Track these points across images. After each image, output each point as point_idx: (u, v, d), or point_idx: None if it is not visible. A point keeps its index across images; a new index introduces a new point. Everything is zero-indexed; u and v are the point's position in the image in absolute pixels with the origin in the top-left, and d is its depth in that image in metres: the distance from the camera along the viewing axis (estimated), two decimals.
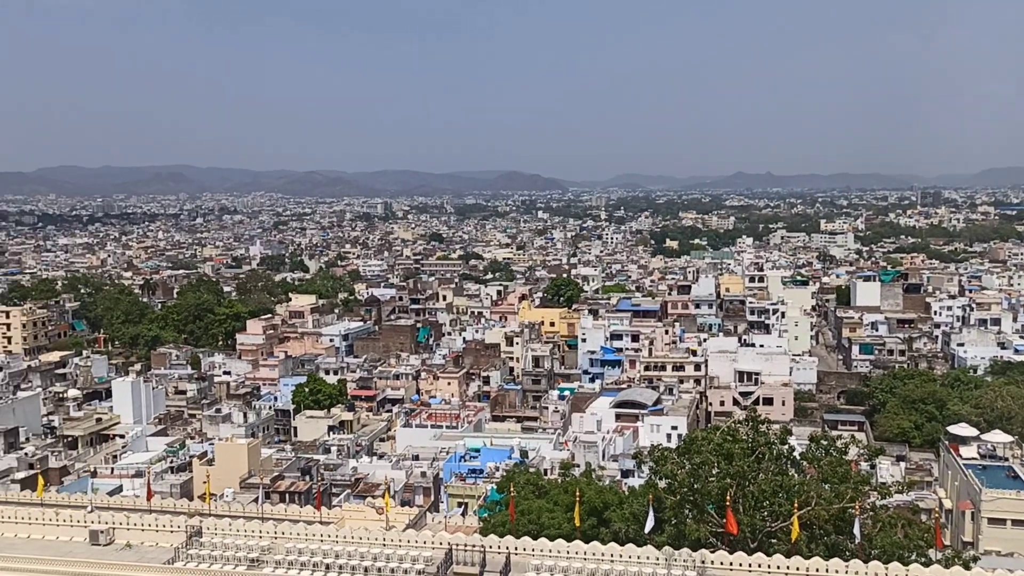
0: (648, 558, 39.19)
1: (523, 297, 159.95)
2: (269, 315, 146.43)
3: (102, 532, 44.04)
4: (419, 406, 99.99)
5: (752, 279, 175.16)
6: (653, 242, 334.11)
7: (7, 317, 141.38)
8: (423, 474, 68.91)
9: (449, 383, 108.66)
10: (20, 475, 69.41)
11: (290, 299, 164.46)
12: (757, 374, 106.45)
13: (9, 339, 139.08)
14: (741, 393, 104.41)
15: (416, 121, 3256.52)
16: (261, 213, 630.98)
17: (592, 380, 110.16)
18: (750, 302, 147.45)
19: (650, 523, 42.42)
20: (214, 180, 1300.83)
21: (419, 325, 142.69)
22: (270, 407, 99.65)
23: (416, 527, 46.27)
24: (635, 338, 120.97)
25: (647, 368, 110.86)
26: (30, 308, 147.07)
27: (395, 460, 74.96)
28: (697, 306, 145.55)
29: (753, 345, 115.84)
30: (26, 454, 78.80)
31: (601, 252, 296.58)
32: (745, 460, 44.33)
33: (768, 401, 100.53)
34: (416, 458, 74.40)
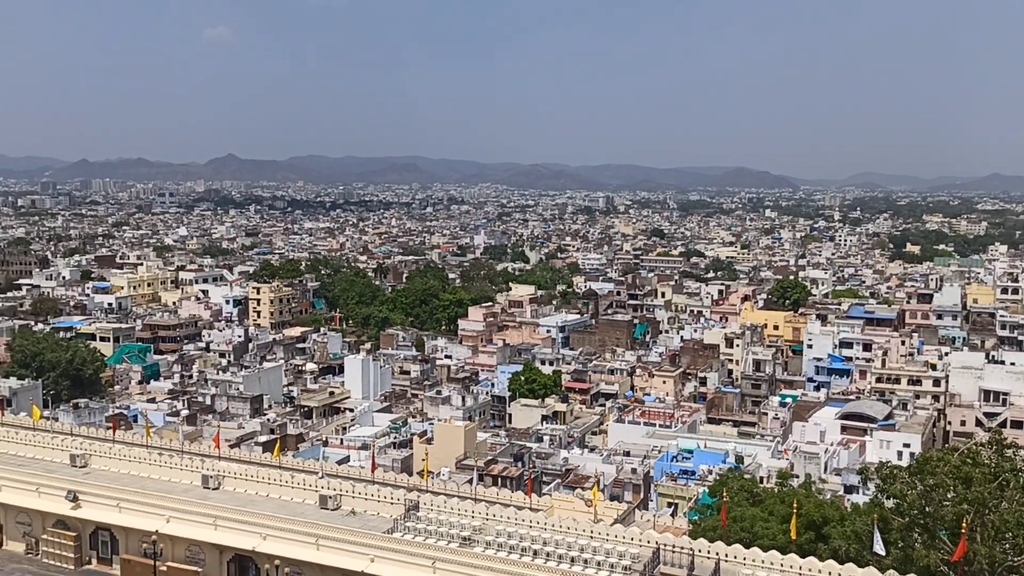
0: None
1: (746, 298, 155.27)
2: (490, 303, 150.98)
3: (331, 498, 47.35)
4: (633, 402, 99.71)
5: (1005, 290, 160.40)
6: (892, 246, 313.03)
7: (258, 293, 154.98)
8: (634, 471, 68.65)
9: (664, 381, 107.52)
10: (262, 438, 75.94)
11: (510, 288, 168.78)
12: (1006, 394, 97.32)
13: (259, 313, 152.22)
14: (986, 414, 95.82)
15: (640, 115, 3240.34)
16: (486, 204, 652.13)
17: (817, 388, 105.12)
18: (1001, 315, 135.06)
19: (877, 544, 39.90)
20: (444, 171, 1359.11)
21: (636, 321, 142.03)
22: (487, 392, 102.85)
23: (624, 523, 46.16)
24: (867, 347, 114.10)
25: (879, 380, 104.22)
26: (277, 286, 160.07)
27: (606, 454, 75.20)
28: (939, 317, 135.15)
29: (1003, 363, 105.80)
30: (268, 420, 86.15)
31: (833, 254, 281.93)
32: (986, 486, 40.74)
33: (1017, 424, 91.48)
34: (627, 454, 74.25)
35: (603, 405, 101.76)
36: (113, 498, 48.92)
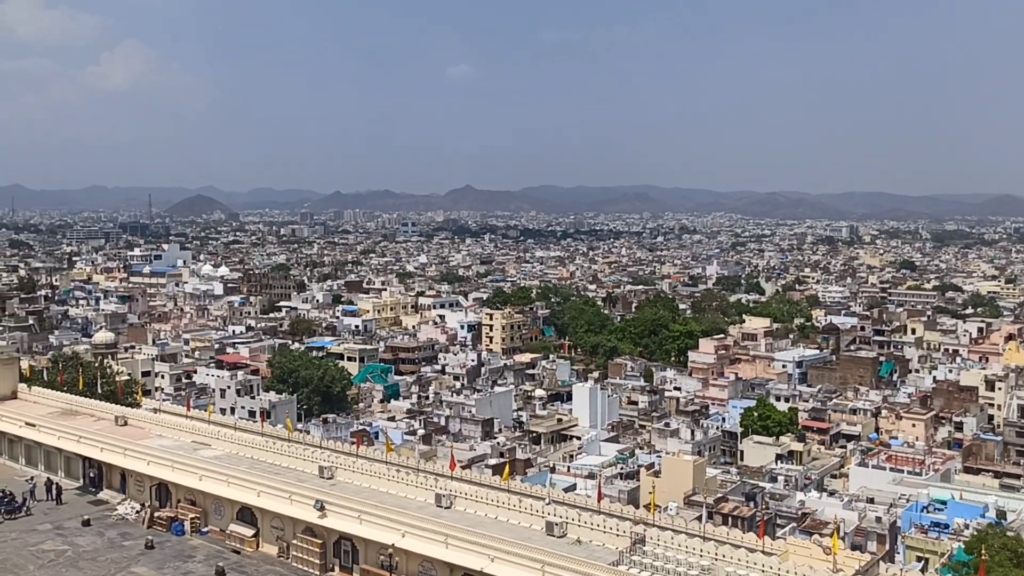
0: None
1: (1010, 337, 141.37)
2: (722, 335, 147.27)
3: (557, 525, 47.72)
4: (877, 445, 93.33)
5: None
6: None
7: (491, 319, 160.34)
8: (878, 519, 64.05)
9: (914, 425, 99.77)
10: (492, 461, 77.96)
11: (744, 321, 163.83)
12: None
13: (491, 339, 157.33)
14: None
15: (889, 139, 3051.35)
16: (720, 233, 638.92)
17: None
18: None
19: None
20: (676, 200, 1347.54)
21: (882, 358, 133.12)
22: (717, 427, 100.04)
23: (867, 575, 43.09)
24: None
25: None
26: (509, 312, 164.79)
27: (847, 499, 70.73)
28: None
29: None
30: (498, 443, 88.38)
31: None
32: None
33: None
34: (871, 501, 69.43)
35: (844, 447, 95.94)
36: (355, 510, 51.99)
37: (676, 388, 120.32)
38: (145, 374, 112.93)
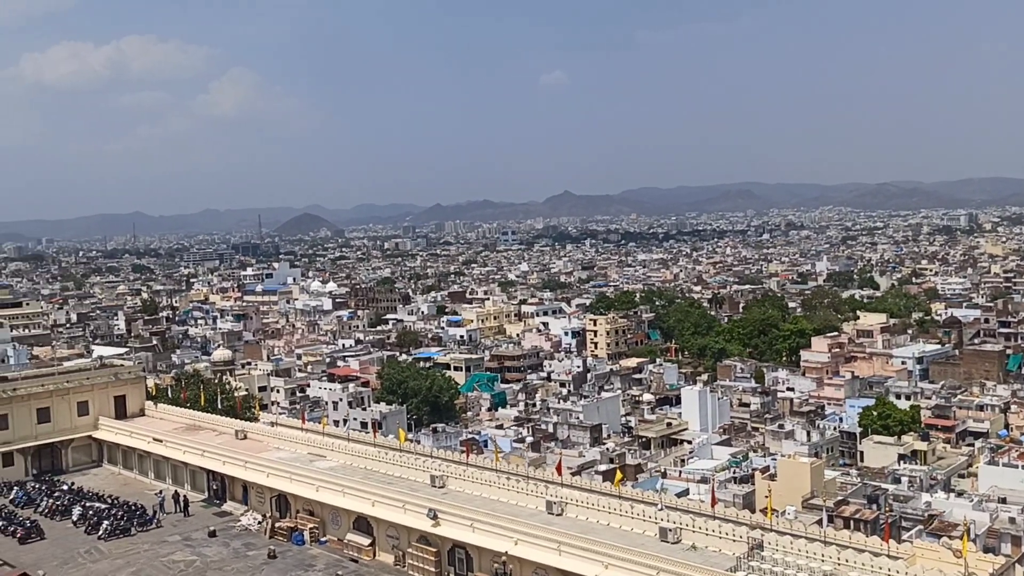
0: None
1: None
2: (835, 333, 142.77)
3: (670, 531, 47.11)
4: (1008, 442, 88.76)
5: None
6: None
7: (595, 324, 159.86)
8: (1012, 520, 60.89)
9: None
10: (602, 467, 77.56)
11: (858, 317, 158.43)
12: None
13: (596, 344, 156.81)
14: None
15: (1008, 121, 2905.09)
16: (828, 228, 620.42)
17: None
18: None
19: None
20: (781, 196, 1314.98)
21: (1009, 351, 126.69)
22: (834, 428, 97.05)
23: None
24: None
25: None
26: (613, 317, 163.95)
27: (977, 500, 67.50)
28: None
29: None
30: (607, 449, 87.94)
31: None
32: None
33: None
34: (1003, 501, 66.07)
35: (971, 445, 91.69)
36: (467, 518, 52.51)
37: (789, 389, 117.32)
38: (261, 389, 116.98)
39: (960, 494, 73.38)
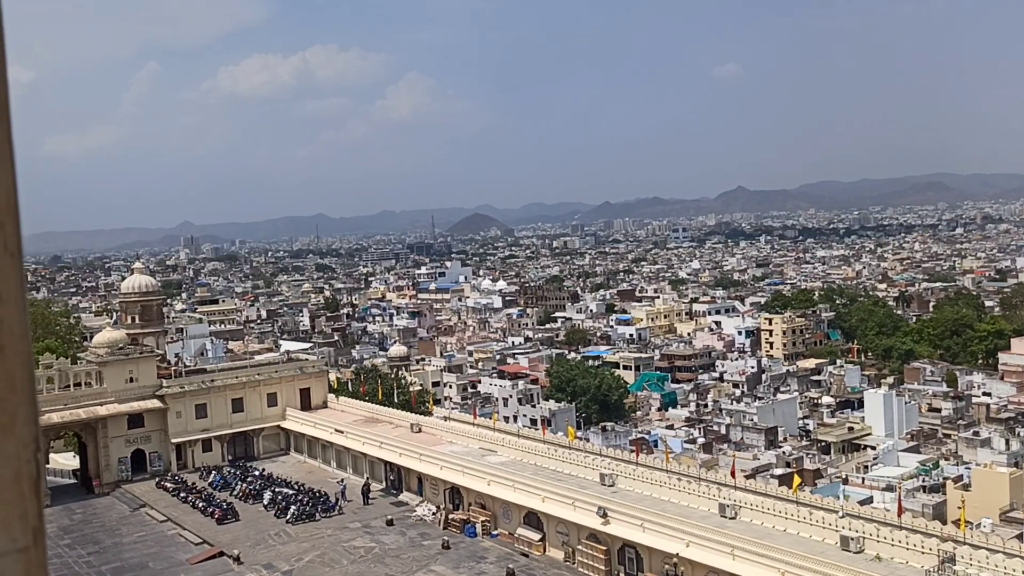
0: None
1: None
2: None
3: (853, 539, 45.18)
4: None
5: None
6: None
7: (770, 324, 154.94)
8: None
9: None
10: (778, 471, 75.24)
11: None
12: None
13: (771, 344, 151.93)
14: None
15: None
16: None
17: None
18: None
19: None
20: (976, 187, 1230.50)
21: None
22: None
23: None
24: None
25: None
26: (790, 316, 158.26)
27: None
28: None
29: None
30: (784, 453, 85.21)
31: None
32: None
33: None
34: None
35: None
36: (637, 517, 52.31)
37: (985, 393, 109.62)
38: (435, 384, 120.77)
39: None
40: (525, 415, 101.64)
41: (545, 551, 57.83)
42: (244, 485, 71.98)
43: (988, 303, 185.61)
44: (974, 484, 66.22)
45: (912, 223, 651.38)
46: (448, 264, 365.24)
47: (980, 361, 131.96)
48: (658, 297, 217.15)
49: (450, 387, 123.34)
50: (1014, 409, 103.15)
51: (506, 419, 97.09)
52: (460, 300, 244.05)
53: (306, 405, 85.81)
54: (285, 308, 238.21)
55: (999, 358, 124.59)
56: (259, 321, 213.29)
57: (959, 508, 51.74)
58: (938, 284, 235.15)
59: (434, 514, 64.73)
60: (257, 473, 76.17)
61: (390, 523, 63.38)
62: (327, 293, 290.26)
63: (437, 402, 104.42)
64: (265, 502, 68.06)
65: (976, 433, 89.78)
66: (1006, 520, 58.79)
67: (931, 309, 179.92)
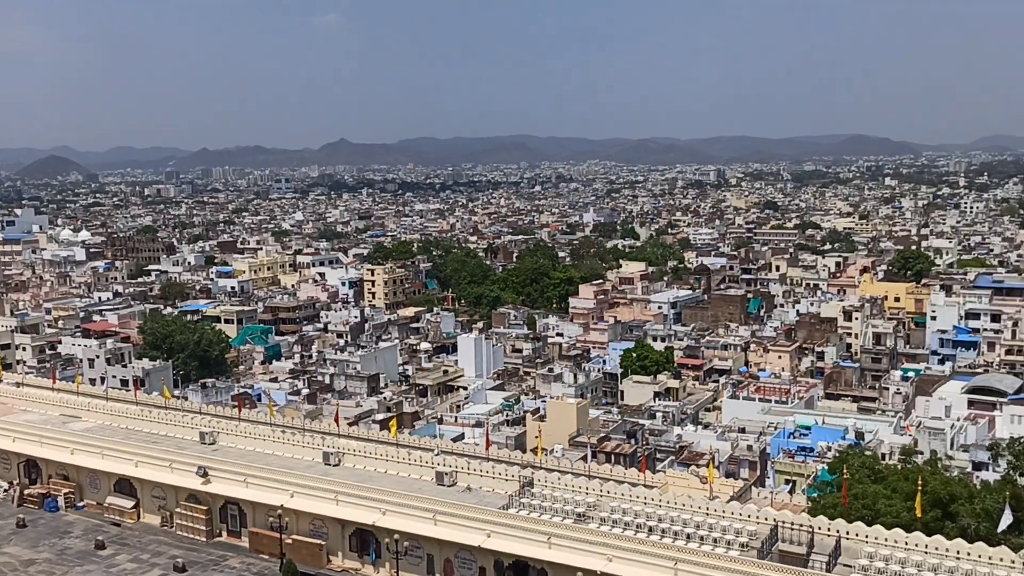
0: (1002, 560, 35.49)
1: (865, 270, 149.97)
2: (600, 280, 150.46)
3: (446, 474, 48.41)
4: (747, 378, 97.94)
5: None
6: (1023, 212, 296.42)
7: (372, 275, 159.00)
8: (749, 447, 67.57)
9: (780, 356, 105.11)
10: (379, 416, 77.98)
11: (620, 266, 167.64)
12: None
13: (374, 294, 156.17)
14: None
15: (753, 84, 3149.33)
16: (595, 181, 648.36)
17: (941, 362, 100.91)
18: None
19: (1006, 521, 38.29)
20: (553, 149, 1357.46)
21: (750, 296, 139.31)
22: (599, 370, 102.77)
23: (741, 500, 45.59)
24: (995, 318, 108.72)
25: (1009, 352, 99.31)
26: (391, 267, 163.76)
27: (720, 431, 74.23)
28: None
29: None
30: (385, 398, 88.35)
31: (958, 223, 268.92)
32: None
33: None
34: (742, 431, 73.11)
35: (716, 381, 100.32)
36: (240, 474, 51.30)
37: (558, 334, 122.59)
38: (4, 347, 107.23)
39: (706, 426, 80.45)
40: (115, 376, 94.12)
41: (140, 518, 54.58)
42: None
43: (561, 254, 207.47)
44: (548, 415, 74.13)
45: (499, 180, 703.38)
46: (18, 211, 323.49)
47: (554, 305, 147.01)
48: (261, 249, 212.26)
49: (23, 349, 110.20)
50: (581, 347, 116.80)
51: (92, 382, 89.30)
52: (34, 252, 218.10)
53: None
54: None
55: (569, 302, 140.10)
56: None
57: (536, 437, 57.63)
58: (520, 237, 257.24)
59: (5, 491, 57.94)
60: None
61: None
62: None
63: (7, 367, 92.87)
64: None
65: (551, 370, 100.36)
66: (574, 445, 66.62)
67: (515, 259, 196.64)
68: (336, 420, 59.91)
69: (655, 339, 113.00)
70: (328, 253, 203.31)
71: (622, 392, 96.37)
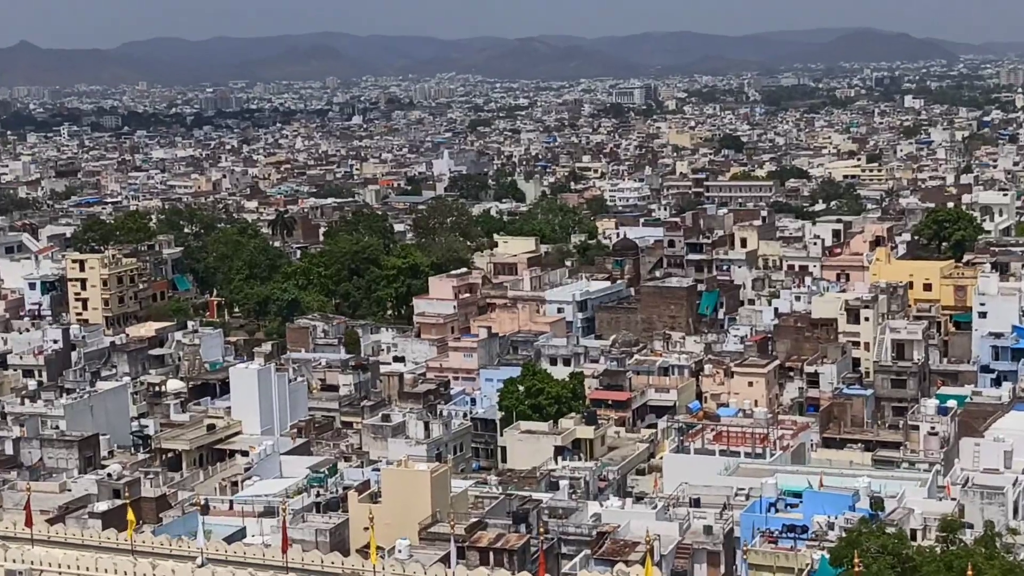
0: None
1: (878, 241, 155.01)
2: (464, 270, 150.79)
3: None
4: (701, 419, 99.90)
5: None
6: None
7: (81, 270, 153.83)
8: (707, 529, 69.02)
9: (751, 383, 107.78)
10: (102, 506, 76.05)
11: (496, 244, 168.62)
12: None
13: (85, 303, 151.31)
14: None
15: None
16: (451, 107, 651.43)
17: (997, 383, 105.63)
18: None
19: None
20: (378, 56, 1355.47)
21: (701, 287, 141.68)
22: (465, 414, 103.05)
23: None
24: None
25: None
26: (114, 256, 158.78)
27: (662, 505, 75.61)
28: None
29: None
30: (109, 475, 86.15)
31: (1016, 165, 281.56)
32: None
33: None
34: (696, 503, 74.72)
35: (653, 426, 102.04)
36: None
37: (397, 359, 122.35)
38: None
39: (640, 499, 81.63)
40: None
41: None
42: None
43: (398, 227, 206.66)
44: (385, 492, 73.83)
45: (292, 107, 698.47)
46: None
47: (390, 312, 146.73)
48: None
49: None
50: (435, 378, 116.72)
51: None
52: None
53: None
54: None
55: (415, 306, 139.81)
56: None
57: (366, 529, 57.24)
58: (330, 200, 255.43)
59: None
60: None
61: None
62: None
63: None
64: None
65: (386, 417, 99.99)
66: (428, 538, 66.59)
67: (322, 238, 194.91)
68: (27, 516, 58.11)
69: (554, 362, 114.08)
70: (6, 235, 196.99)
71: (503, 449, 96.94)
